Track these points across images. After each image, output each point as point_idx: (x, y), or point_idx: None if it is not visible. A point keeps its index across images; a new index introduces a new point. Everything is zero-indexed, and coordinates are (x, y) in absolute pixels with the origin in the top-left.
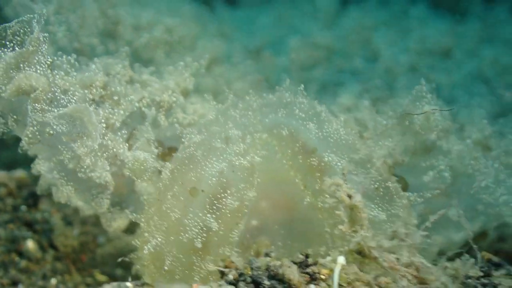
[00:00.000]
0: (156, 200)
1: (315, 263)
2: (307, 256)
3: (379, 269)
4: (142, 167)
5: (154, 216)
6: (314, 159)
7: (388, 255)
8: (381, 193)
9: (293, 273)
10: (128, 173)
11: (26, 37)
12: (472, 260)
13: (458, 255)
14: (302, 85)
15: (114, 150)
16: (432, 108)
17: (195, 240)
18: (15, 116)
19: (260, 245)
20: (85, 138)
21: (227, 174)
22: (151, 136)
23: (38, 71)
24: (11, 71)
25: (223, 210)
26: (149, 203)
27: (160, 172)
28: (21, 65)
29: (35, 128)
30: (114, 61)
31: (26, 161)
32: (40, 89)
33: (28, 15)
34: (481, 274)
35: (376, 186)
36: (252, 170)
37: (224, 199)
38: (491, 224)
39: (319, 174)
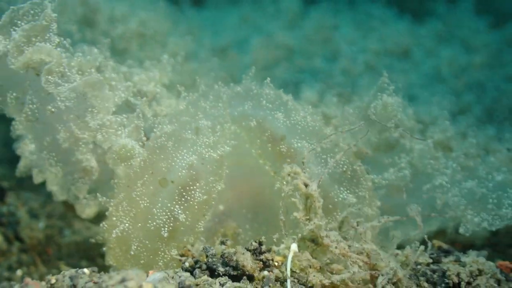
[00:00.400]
0: (126, 186)
1: (268, 250)
2: (260, 243)
3: (331, 256)
4: (128, 154)
5: (124, 202)
6: (283, 146)
7: (340, 243)
8: (349, 176)
9: (246, 260)
10: (110, 161)
11: (37, 17)
12: (422, 247)
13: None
14: (268, 78)
15: (110, 134)
16: (403, 129)
17: (162, 229)
18: (14, 94)
19: (228, 229)
20: (96, 111)
21: (196, 166)
22: (141, 123)
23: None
24: (23, 44)
25: (191, 202)
26: (119, 188)
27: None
28: (33, 39)
29: (35, 105)
30: (96, 51)
31: None
32: (55, 61)
33: None
34: (431, 260)
35: (344, 169)
36: (221, 163)
37: (192, 192)
38: (448, 223)
39: (289, 160)
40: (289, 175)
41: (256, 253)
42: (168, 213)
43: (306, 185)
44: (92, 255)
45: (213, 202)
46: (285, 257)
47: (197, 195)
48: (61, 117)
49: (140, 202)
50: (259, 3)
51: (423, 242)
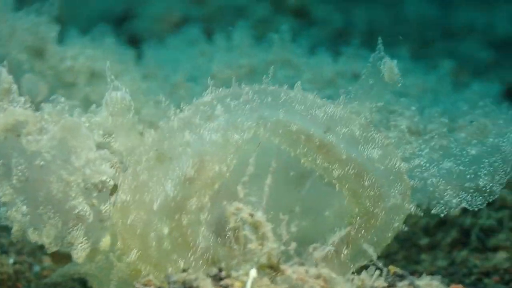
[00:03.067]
0: (134, 161)
1: (228, 276)
2: (220, 269)
3: (290, 281)
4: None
5: (129, 176)
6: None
7: (297, 267)
8: None
9: (207, 286)
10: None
11: None
12: (378, 272)
13: (365, 268)
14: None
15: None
16: None
17: (154, 202)
18: (1, 161)
19: None
20: (79, 151)
21: (195, 146)
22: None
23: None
24: None
25: (182, 178)
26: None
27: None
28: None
29: (23, 166)
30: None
31: None
32: (30, 120)
33: None
34: (386, 284)
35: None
36: (226, 148)
37: (186, 168)
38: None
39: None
40: (233, 213)
41: (216, 278)
42: (161, 187)
43: (251, 215)
44: None
45: (211, 185)
46: (244, 282)
47: (189, 172)
48: (50, 168)
49: (140, 175)
50: (213, 42)
51: (379, 268)
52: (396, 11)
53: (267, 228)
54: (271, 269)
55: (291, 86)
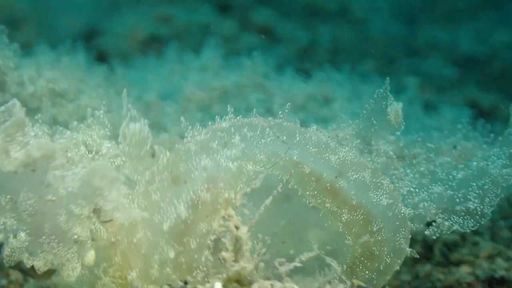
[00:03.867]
0: (146, 181)
1: None
2: (186, 282)
3: None
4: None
5: (140, 196)
6: (340, 183)
7: (263, 282)
8: None
9: None
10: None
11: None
12: (342, 285)
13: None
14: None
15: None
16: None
17: (164, 222)
18: (8, 196)
19: None
20: (106, 194)
21: (210, 170)
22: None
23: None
24: (7, 144)
25: (196, 202)
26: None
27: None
28: (15, 135)
29: (32, 200)
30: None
31: None
32: (59, 154)
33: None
34: None
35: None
36: (238, 175)
37: (200, 192)
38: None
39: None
40: (223, 216)
41: None
42: (173, 209)
43: (237, 228)
44: None
45: (220, 211)
46: None
47: (204, 195)
48: (62, 202)
49: (153, 195)
50: (183, 60)
51: (342, 281)
52: (361, 28)
53: (246, 246)
54: (237, 283)
55: (266, 110)
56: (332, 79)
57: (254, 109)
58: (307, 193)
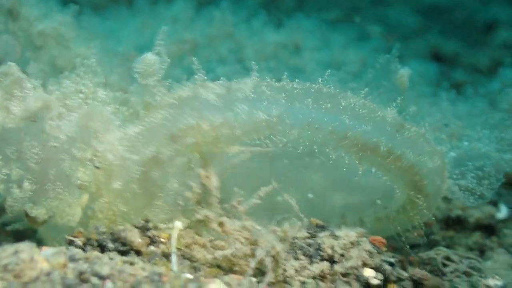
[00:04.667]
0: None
1: (155, 228)
2: (147, 220)
3: (215, 233)
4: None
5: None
6: None
7: (223, 218)
8: None
9: (134, 236)
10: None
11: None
12: (300, 223)
13: (286, 219)
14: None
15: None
16: None
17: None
18: (13, 147)
19: None
20: (100, 135)
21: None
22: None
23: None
24: (6, 101)
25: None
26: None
27: None
28: (14, 92)
29: (36, 149)
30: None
31: None
32: (52, 105)
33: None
34: (307, 235)
35: None
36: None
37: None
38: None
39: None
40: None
41: (143, 230)
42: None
43: (208, 177)
44: None
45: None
46: (170, 234)
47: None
48: (64, 147)
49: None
50: (155, 11)
51: (301, 219)
52: None
53: (215, 198)
54: (198, 222)
55: (237, 60)
56: (302, 27)
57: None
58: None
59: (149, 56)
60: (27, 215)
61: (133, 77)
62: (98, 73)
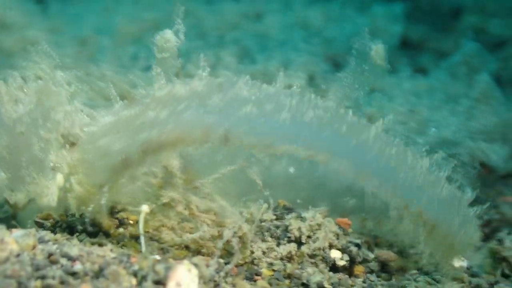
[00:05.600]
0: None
1: (124, 210)
2: (115, 203)
3: (182, 216)
4: None
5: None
6: None
7: (189, 204)
8: None
9: (103, 218)
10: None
11: None
12: (266, 205)
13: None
14: None
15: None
16: None
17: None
18: None
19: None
20: (56, 107)
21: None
22: None
23: None
24: None
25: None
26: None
27: None
28: None
29: (4, 137)
30: None
31: None
32: (3, 91)
33: None
34: (274, 217)
35: None
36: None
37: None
38: None
39: None
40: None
41: (112, 212)
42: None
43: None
44: None
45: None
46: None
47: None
48: (30, 130)
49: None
50: None
51: (267, 201)
52: None
53: (180, 180)
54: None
55: (198, 35)
56: None
57: None
58: None
59: (168, 33)
60: (7, 202)
61: (91, 59)
62: (53, 56)
